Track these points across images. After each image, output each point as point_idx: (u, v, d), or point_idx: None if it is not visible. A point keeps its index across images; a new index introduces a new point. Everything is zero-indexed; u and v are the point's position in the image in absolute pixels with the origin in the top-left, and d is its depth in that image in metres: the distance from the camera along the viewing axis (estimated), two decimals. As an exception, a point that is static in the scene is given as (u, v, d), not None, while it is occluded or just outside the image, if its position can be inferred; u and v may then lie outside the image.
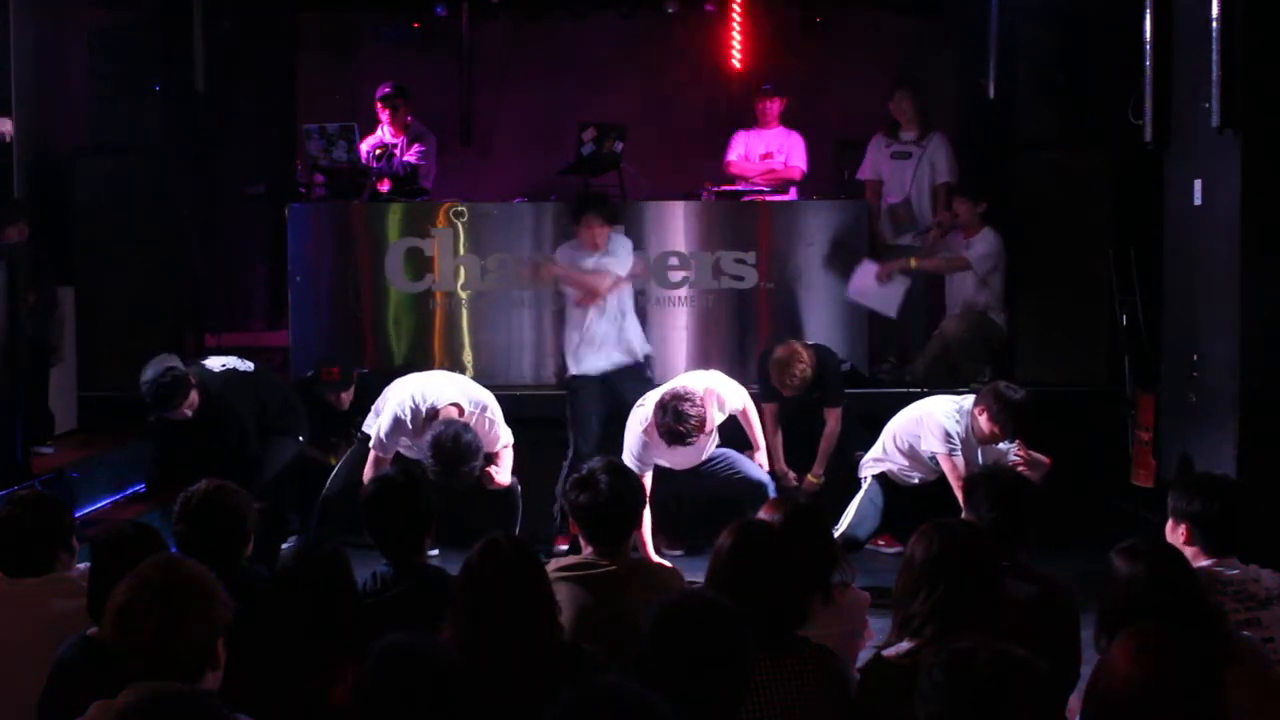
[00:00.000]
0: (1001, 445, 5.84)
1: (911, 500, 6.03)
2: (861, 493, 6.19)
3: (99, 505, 6.54)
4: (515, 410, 6.72)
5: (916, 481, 6.09)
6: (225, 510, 3.63)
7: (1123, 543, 3.17)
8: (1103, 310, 7.55)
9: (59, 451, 6.85)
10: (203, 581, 2.64)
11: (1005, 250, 7.56)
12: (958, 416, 5.89)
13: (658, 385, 6.38)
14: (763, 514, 3.64)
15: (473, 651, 2.96)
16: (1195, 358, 6.36)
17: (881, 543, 6.69)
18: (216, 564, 2.93)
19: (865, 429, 6.90)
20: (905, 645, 2.95)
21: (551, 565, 3.68)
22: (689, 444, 5.91)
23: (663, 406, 5.84)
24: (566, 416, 6.97)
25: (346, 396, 6.82)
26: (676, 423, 5.78)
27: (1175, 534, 3.64)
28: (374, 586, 3.66)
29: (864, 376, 7.63)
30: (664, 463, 6.14)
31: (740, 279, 7.67)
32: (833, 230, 7.75)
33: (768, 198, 8.06)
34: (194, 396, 6.03)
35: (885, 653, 2.98)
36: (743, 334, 7.75)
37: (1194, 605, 3.05)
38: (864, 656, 3.52)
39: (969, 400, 5.93)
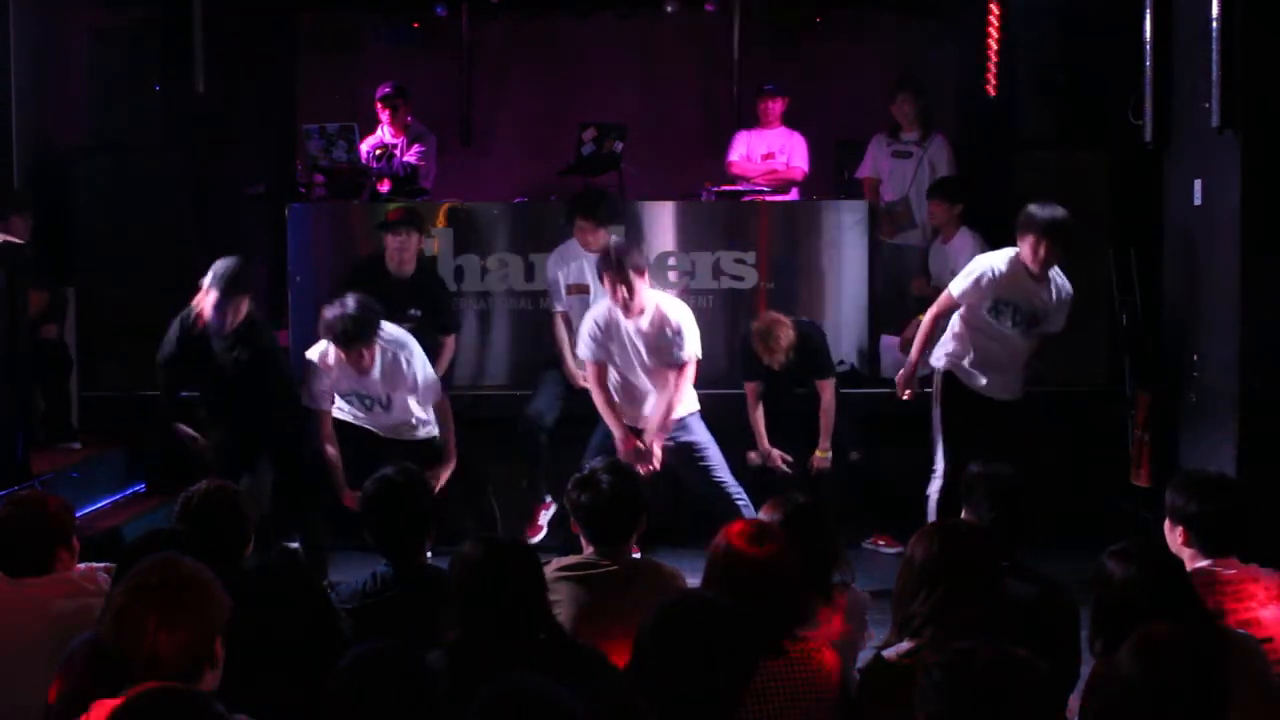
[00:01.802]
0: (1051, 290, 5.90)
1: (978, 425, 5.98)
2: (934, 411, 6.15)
3: (99, 505, 6.53)
4: (516, 410, 6.72)
5: (984, 383, 6.03)
6: (226, 510, 3.64)
7: (1113, 545, 3.17)
8: (1103, 310, 7.55)
9: (59, 451, 6.85)
10: (201, 581, 2.64)
11: (988, 248, 7.54)
12: (977, 269, 5.98)
13: None
14: (763, 514, 3.64)
15: (470, 651, 2.97)
16: (1195, 358, 6.37)
17: (881, 542, 6.68)
18: (217, 564, 2.93)
19: (861, 428, 6.89)
20: (905, 645, 2.95)
21: (552, 565, 3.69)
22: (630, 300, 5.92)
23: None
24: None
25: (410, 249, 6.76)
26: (617, 270, 5.88)
27: (1173, 535, 3.63)
28: (374, 586, 3.66)
29: (864, 376, 7.62)
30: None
31: (740, 279, 7.66)
32: (833, 230, 7.75)
33: (768, 198, 8.06)
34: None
35: (885, 653, 2.98)
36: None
37: (1188, 605, 3.06)
38: (864, 656, 3.52)
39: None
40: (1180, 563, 3.29)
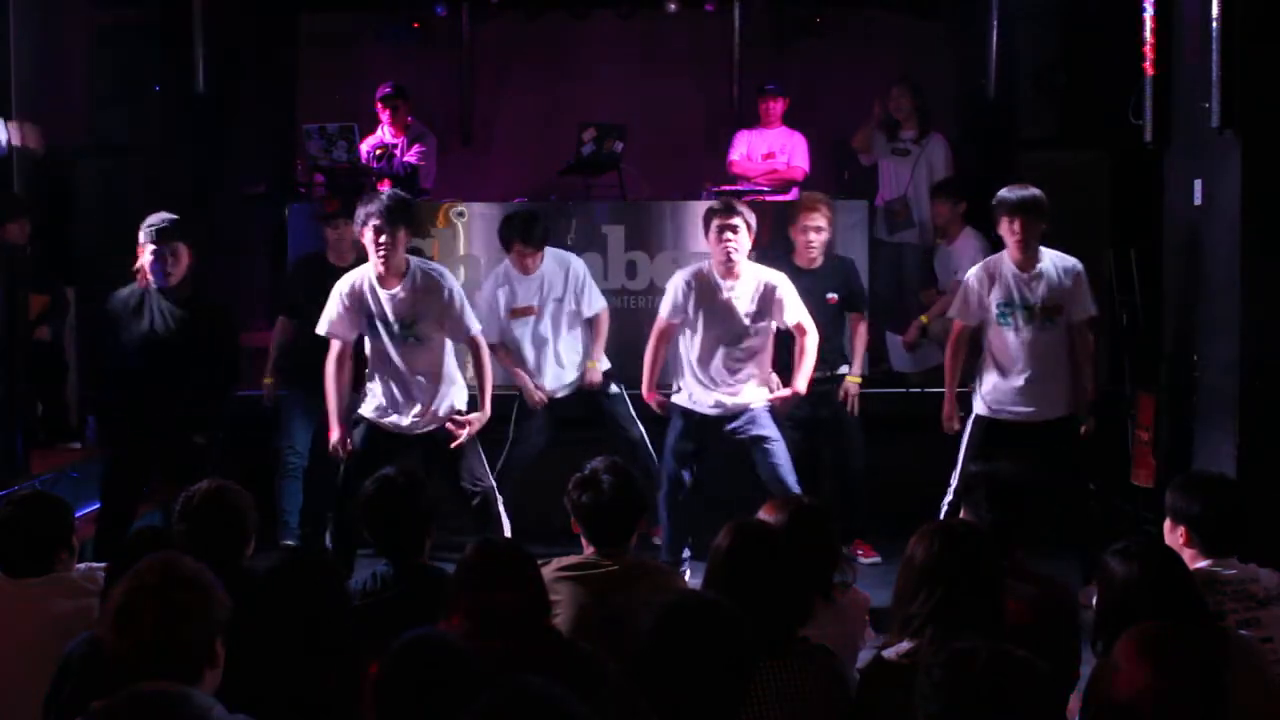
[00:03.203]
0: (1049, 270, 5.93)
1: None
2: (965, 436, 6.06)
3: (99, 505, 6.52)
4: (514, 410, 6.70)
5: (1023, 408, 5.90)
6: (227, 510, 3.64)
7: (1116, 544, 3.17)
8: (1103, 310, 7.54)
9: (59, 452, 6.85)
10: (200, 580, 2.64)
11: (992, 249, 7.54)
12: (985, 261, 6.12)
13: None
14: (763, 514, 3.64)
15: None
16: (1195, 358, 6.36)
17: (860, 552, 6.63)
18: (218, 563, 2.93)
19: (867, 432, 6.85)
20: (905, 645, 2.95)
21: (553, 565, 3.69)
22: (734, 252, 5.94)
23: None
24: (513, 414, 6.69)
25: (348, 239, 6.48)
26: (726, 214, 5.94)
27: (1174, 535, 3.64)
28: (374, 586, 3.67)
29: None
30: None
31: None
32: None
33: (768, 198, 8.06)
34: None
35: (885, 653, 2.98)
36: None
37: (1190, 605, 3.06)
38: (864, 657, 3.52)
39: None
40: (1182, 562, 3.29)
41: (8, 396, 6.12)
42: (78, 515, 4.65)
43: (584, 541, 3.84)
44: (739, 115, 9.63)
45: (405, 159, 8.27)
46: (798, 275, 6.44)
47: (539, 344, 6.60)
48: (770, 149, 8.56)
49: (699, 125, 10.25)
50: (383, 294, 5.61)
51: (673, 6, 10.00)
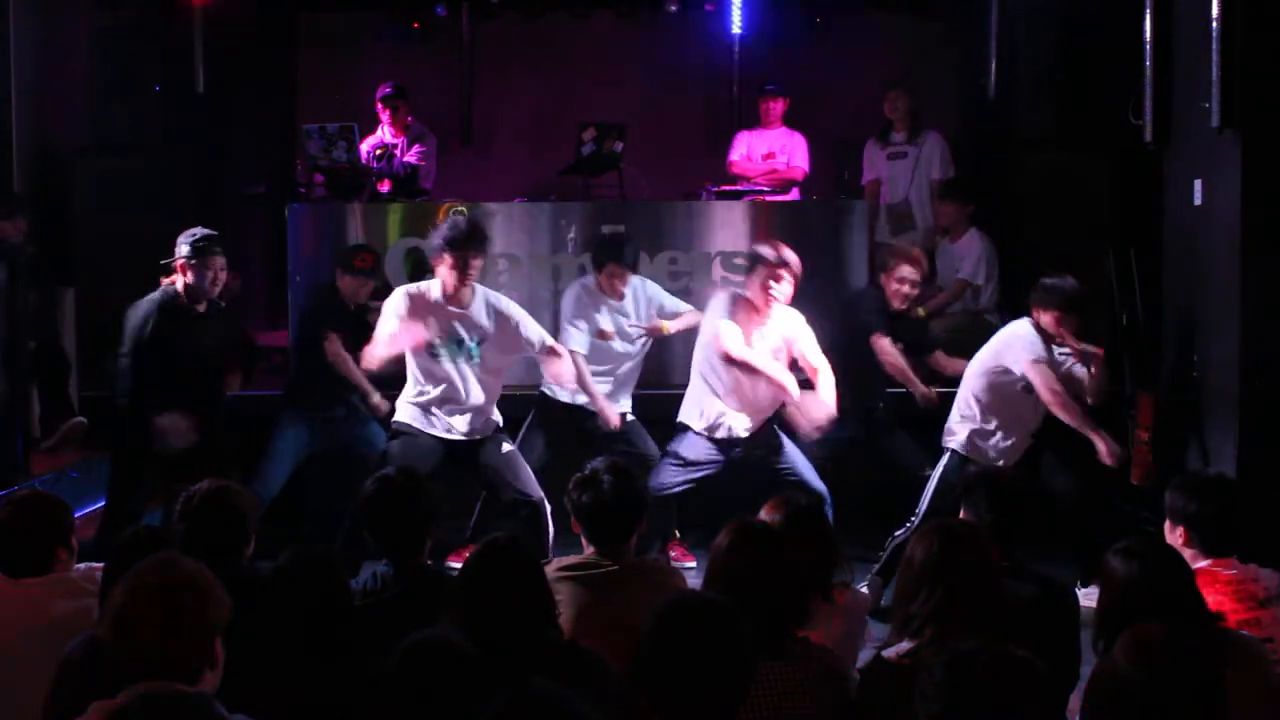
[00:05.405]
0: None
1: None
2: (939, 468, 5.92)
3: (99, 505, 6.53)
4: (519, 412, 6.71)
5: (997, 453, 5.83)
6: (227, 509, 3.64)
7: (1118, 543, 3.18)
8: (1103, 310, 7.55)
9: (59, 452, 6.85)
10: (200, 581, 2.64)
11: (995, 250, 7.55)
12: (1032, 334, 5.76)
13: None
14: (763, 514, 3.64)
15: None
16: (1195, 358, 6.37)
17: None
18: (218, 563, 2.93)
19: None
20: (905, 645, 2.95)
21: (553, 565, 3.69)
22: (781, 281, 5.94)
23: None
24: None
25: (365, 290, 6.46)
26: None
27: (1174, 535, 3.64)
28: (374, 586, 3.67)
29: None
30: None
31: (740, 279, 7.64)
32: (833, 230, 7.74)
33: (768, 198, 8.07)
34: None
35: (885, 653, 2.98)
36: (743, 334, 7.71)
37: (1191, 605, 3.06)
38: (864, 656, 3.52)
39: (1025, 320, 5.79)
40: (1183, 561, 3.29)
41: (8, 396, 6.12)
42: (78, 515, 4.66)
43: (584, 541, 3.84)
44: (739, 115, 9.62)
45: (405, 159, 8.27)
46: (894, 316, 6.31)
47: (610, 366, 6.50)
48: (770, 149, 8.57)
49: (699, 125, 10.25)
50: (451, 309, 5.75)
51: (673, 7, 10.00)
